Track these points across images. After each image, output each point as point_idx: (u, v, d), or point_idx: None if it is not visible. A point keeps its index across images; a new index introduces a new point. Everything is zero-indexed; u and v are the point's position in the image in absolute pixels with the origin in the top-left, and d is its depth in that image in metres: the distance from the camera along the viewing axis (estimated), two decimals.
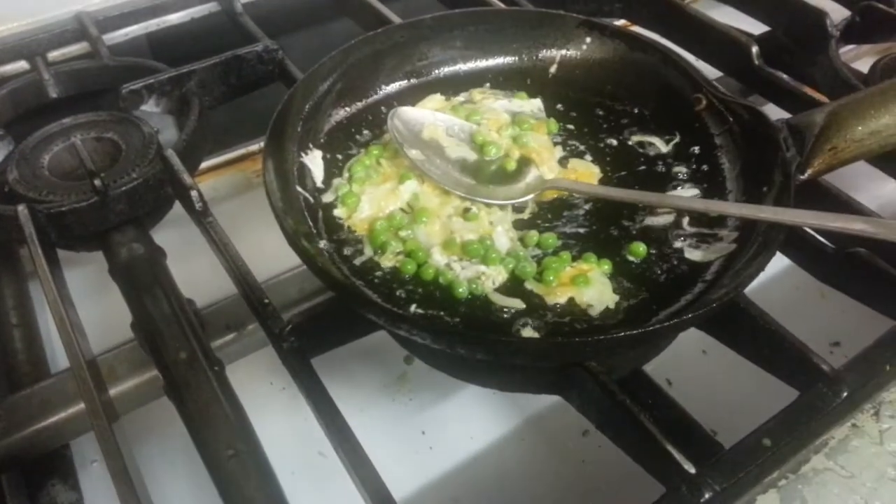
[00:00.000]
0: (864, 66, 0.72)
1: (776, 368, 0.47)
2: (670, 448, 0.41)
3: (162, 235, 0.61)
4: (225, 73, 0.70)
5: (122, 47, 0.78)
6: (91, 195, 0.58)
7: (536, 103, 0.63)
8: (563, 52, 0.67)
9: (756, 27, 0.78)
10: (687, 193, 0.56)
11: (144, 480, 0.45)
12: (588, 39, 0.66)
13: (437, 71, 0.66)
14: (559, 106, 0.64)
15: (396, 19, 0.72)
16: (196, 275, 0.57)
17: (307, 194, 0.55)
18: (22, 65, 0.75)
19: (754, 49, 0.69)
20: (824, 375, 0.44)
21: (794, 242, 0.57)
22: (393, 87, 0.65)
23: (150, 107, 0.67)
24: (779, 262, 0.59)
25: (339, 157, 0.59)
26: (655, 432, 0.41)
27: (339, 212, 0.54)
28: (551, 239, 0.52)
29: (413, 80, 0.65)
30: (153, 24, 0.80)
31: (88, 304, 0.56)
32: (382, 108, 0.63)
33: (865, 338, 0.47)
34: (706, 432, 0.47)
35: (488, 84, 0.66)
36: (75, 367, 0.47)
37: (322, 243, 0.52)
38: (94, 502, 0.52)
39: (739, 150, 0.57)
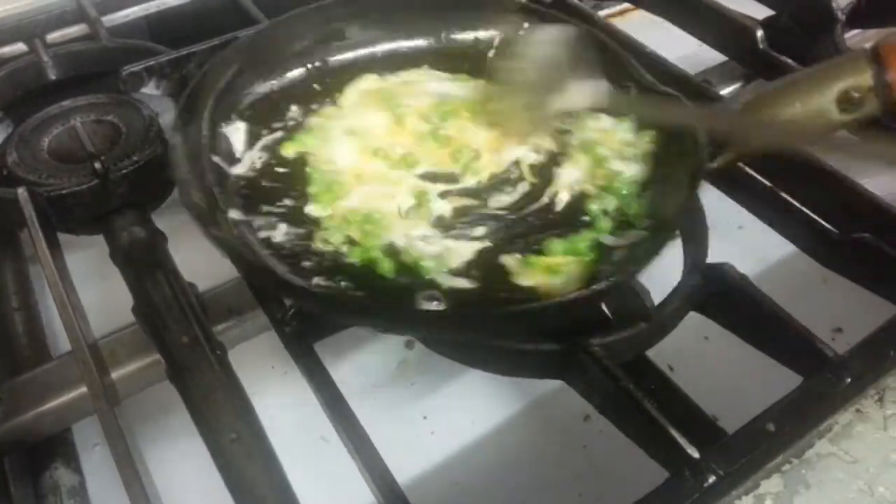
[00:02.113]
0: None
1: (779, 354, 0.47)
2: (674, 433, 0.41)
3: (163, 219, 0.61)
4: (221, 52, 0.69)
5: (121, 29, 0.77)
6: (91, 178, 0.57)
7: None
8: (502, 36, 0.66)
9: (761, 11, 0.78)
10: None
11: (147, 463, 0.45)
12: (525, 25, 0.65)
13: (371, 49, 0.65)
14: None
15: None
16: (197, 259, 0.57)
17: (222, 163, 0.54)
18: (20, 47, 0.74)
19: (759, 33, 0.69)
20: (828, 361, 0.44)
21: (799, 227, 0.57)
22: (323, 63, 0.64)
23: (150, 89, 0.67)
24: (782, 247, 0.59)
25: (264, 131, 0.58)
26: (659, 417, 0.41)
27: (312, 209, 0.53)
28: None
29: (342, 56, 0.65)
30: (153, 6, 0.80)
31: (89, 288, 0.56)
32: (314, 85, 0.63)
33: (868, 323, 0.47)
34: (709, 417, 0.47)
35: (426, 66, 0.65)
36: (77, 351, 0.47)
37: (233, 213, 0.51)
38: (96, 485, 0.52)
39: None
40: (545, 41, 0.57)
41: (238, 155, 0.56)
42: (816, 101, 0.50)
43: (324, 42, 0.64)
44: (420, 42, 0.66)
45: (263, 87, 0.61)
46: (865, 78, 0.49)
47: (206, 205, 0.49)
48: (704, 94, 0.64)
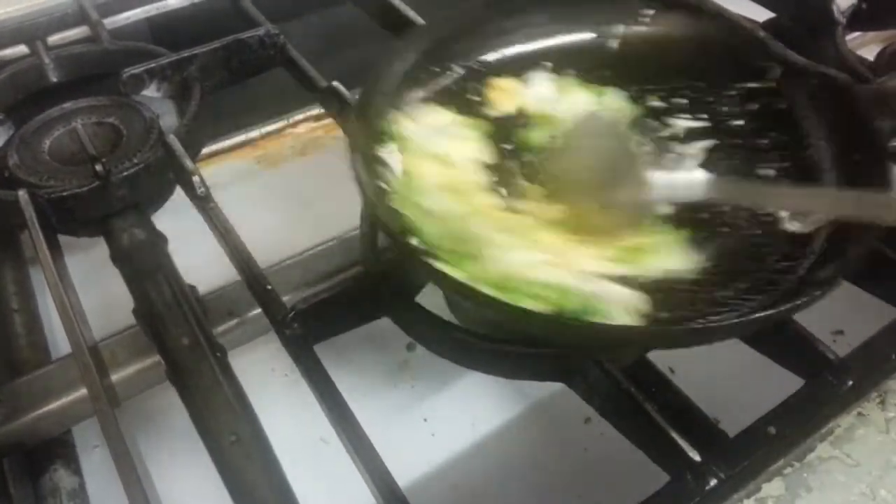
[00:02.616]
0: (870, 53, 0.72)
1: (780, 356, 0.47)
2: (675, 436, 0.41)
3: (163, 221, 0.61)
4: (226, 58, 0.69)
5: (122, 31, 0.77)
6: (92, 180, 0.57)
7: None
8: (626, 27, 0.62)
9: (761, 13, 0.78)
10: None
11: (147, 466, 0.45)
12: (650, 12, 0.62)
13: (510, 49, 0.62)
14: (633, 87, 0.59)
15: (403, 6, 0.71)
16: (198, 261, 0.57)
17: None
18: (22, 49, 0.74)
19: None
20: (830, 364, 0.44)
21: None
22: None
23: (151, 91, 0.67)
24: None
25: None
26: (660, 420, 0.41)
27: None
28: None
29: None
30: (154, 9, 0.80)
31: (90, 290, 0.56)
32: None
33: (868, 326, 0.47)
34: (710, 420, 0.47)
35: (550, 65, 0.61)
36: (77, 353, 0.47)
37: None
38: (96, 487, 0.52)
39: (824, 120, 0.54)
40: (598, 129, 0.52)
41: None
42: None
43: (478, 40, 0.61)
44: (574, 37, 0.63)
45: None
46: None
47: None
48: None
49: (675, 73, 0.59)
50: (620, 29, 0.63)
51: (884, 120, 0.49)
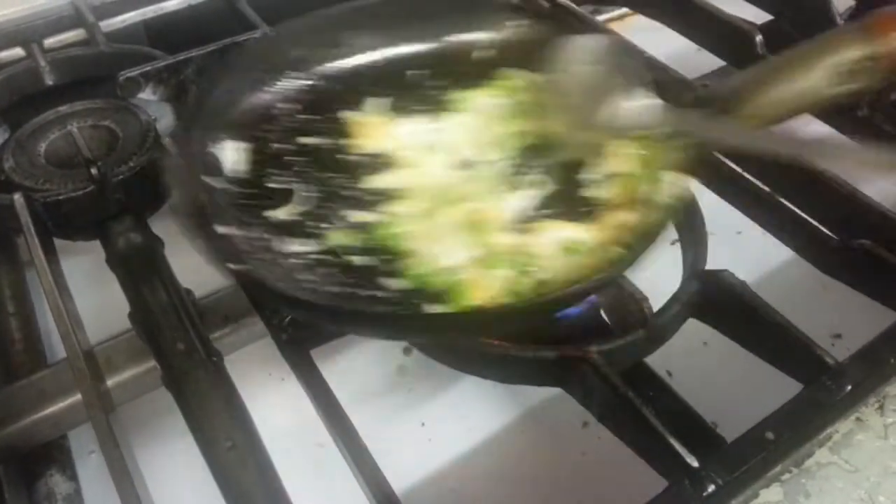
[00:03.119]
0: None
1: (779, 361, 0.47)
2: (673, 442, 0.40)
3: (160, 225, 0.61)
4: (223, 60, 0.69)
5: (119, 34, 0.77)
6: (88, 184, 0.57)
7: None
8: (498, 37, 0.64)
9: (760, 15, 0.78)
10: None
11: (142, 471, 0.45)
12: (522, 23, 0.64)
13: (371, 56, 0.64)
14: None
15: None
16: (194, 265, 0.56)
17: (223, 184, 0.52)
18: (17, 52, 0.74)
19: (758, 38, 0.68)
20: (828, 368, 0.44)
21: (798, 233, 0.57)
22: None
23: (147, 94, 0.67)
24: (781, 253, 0.59)
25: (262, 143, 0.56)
26: (658, 426, 0.41)
27: None
28: None
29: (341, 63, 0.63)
30: (151, 11, 0.79)
31: (86, 294, 0.56)
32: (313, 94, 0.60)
33: (867, 330, 0.47)
34: (708, 425, 0.46)
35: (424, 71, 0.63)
36: (72, 358, 0.47)
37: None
38: (92, 493, 0.51)
39: None
40: (584, 53, 0.54)
41: (230, 167, 0.54)
42: (808, 77, 0.50)
43: (321, 50, 0.63)
44: (418, 47, 0.65)
45: (261, 99, 0.59)
46: (856, 50, 0.49)
47: (198, 218, 0.48)
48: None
49: None
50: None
51: None
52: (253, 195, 0.53)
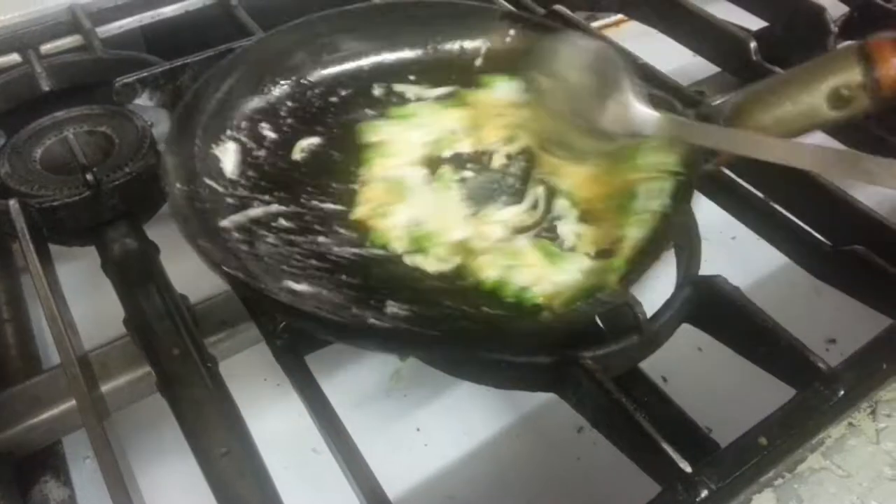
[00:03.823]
0: None
1: (772, 366, 0.47)
2: (666, 447, 0.40)
3: (155, 230, 0.61)
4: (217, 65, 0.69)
5: (115, 40, 0.77)
6: (83, 189, 0.57)
7: None
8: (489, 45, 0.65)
9: (754, 23, 0.78)
10: None
11: (136, 477, 0.45)
12: (511, 32, 0.64)
13: (357, 63, 0.64)
14: None
15: None
16: (190, 271, 0.56)
17: (218, 186, 0.53)
18: (14, 57, 0.74)
19: (752, 45, 0.69)
20: (821, 374, 0.44)
21: (792, 239, 0.57)
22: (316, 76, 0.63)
23: (143, 100, 0.67)
24: (775, 259, 0.59)
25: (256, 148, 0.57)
26: (651, 431, 0.41)
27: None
28: None
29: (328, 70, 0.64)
30: (147, 17, 0.79)
31: (81, 300, 0.56)
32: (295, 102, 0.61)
33: (861, 336, 0.47)
34: (702, 430, 0.46)
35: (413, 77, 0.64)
36: (67, 364, 0.47)
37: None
38: (86, 499, 0.51)
39: None
40: (578, 61, 0.54)
41: (229, 173, 0.55)
42: (806, 99, 0.50)
43: (310, 55, 0.63)
44: (407, 53, 0.66)
45: (254, 104, 0.60)
46: (855, 74, 0.49)
47: (196, 222, 0.49)
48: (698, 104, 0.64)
49: None
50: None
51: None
52: (246, 197, 0.53)
